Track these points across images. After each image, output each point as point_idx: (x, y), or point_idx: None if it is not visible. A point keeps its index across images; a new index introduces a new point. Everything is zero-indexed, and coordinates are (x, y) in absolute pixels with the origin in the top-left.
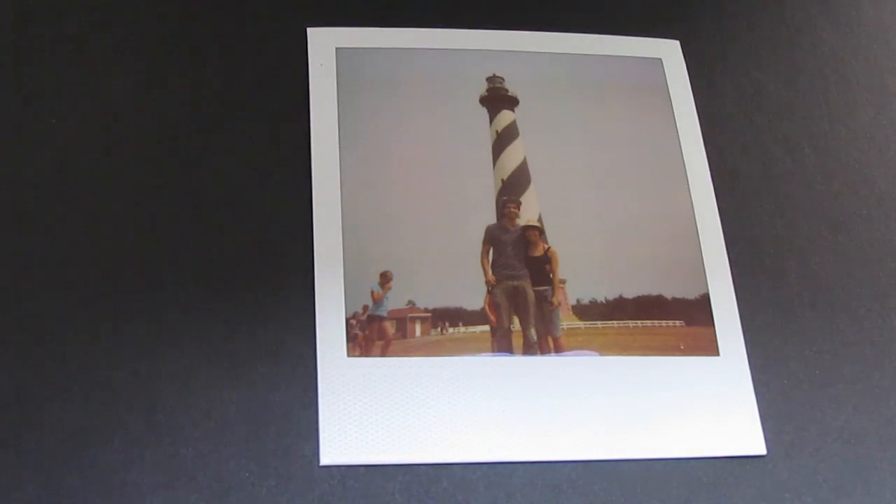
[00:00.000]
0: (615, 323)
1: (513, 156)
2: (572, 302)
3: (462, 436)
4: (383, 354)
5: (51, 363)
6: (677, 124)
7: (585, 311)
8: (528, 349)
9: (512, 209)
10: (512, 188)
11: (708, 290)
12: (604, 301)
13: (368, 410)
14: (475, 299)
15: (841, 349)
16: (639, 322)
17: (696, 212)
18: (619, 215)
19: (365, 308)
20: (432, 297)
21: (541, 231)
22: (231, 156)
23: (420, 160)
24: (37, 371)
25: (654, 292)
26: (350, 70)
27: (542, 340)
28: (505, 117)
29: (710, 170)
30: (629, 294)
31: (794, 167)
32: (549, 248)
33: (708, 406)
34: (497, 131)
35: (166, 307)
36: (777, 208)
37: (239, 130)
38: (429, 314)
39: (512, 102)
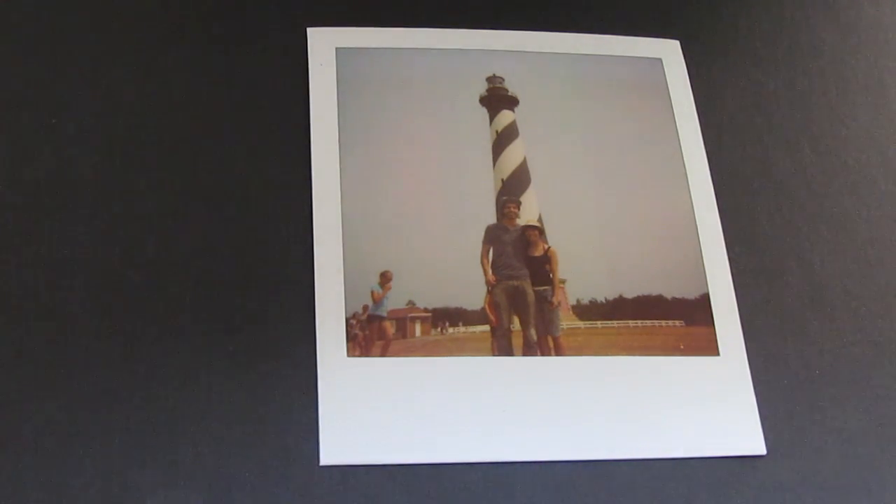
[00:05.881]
0: (615, 323)
1: (513, 156)
2: (572, 302)
3: (462, 436)
4: (383, 354)
5: (51, 363)
6: (677, 124)
7: (585, 311)
8: (528, 349)
9: (512, 209)
10: (512, 188)
11: (708, 290)
12: (604, 301)
13: (368, 410)
14: (475, 299)
15: (841, 349)
16: (639, 322)
17: (696, 212)
18: (619, 215)
19: (365, 308)
20: (432, 297)
21: (541, 231)
22: (231, 156)
23: (420, 160)
24: (37, 371)
25: (654, 292)
26: (350, 70)
27: (542, 340)
28: (505, 117)
29: (710, 170)
30: (629, 294)
31: (794, 167)
32: (549, 247)
33: (708, 406)
34: (497, 131)
35: (166, 307)
36: (777, 208)
37: (239, 130)
38: (429, 314)
39: (512, 102)
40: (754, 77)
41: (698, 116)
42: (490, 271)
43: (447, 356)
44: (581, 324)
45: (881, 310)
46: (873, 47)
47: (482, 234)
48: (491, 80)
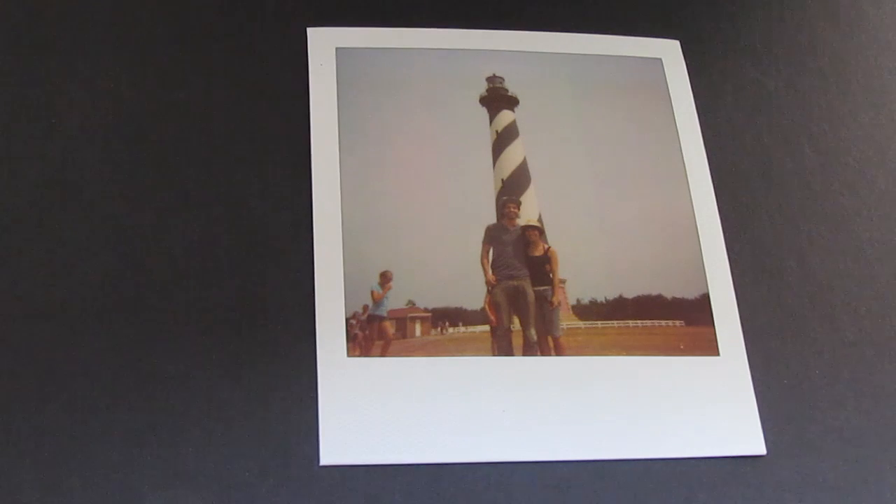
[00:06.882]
0: (615, 323)
1: (513, 156)
2: (572, 302)
3: (462, 436)
4: (383, 354)
5: (51, 363)
6: (677, 124)
7: (585, 310)
8: (528, 349)
9: (512, 209)
10: (512, 188)
11: (708, 290)
12: (604, 301)
13: (368, 410)
14: (475, 299)
15: (841, 349)
16: (639, 322)
17: (696, 212)
18: (619, 215)
19: (365, 308)
20: (432, 297)
21: (541, 231)
22: (231, 155)
23: (420, 160)
24: (37, 371)
25: (654, 292)
26: (350, 70)
27: (542, 340)
28: (505, 117)
29: (710, 170)
30: (629, 294)
31: (794, 167)
32: (549, 247)
33: (708, 406)
34: (497, 131)
35: (166, 307)
36: (777, 208)
37: (239, 130)
38: (429, 314)
39: (512, 102)
40: (754, 77)
41: (698, 116)
42: (490, 271)
43: (447, 356)
44: (581, 324)
45: (881, 310)
46: (873, 47)
47: (482, 234)
48: (491, 80)
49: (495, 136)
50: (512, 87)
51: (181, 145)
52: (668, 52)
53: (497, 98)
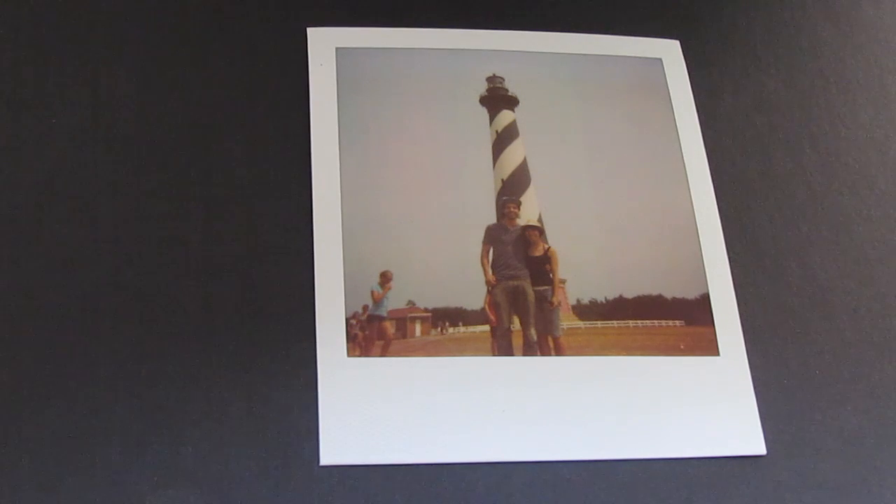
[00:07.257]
0: (615, 323)
1: (513, 156)
2: (572, 302)
3: (462, 436)
4: (383, 354)
5: (51, 363)
6: (677, 124)
7: (585, 310)
8: (528, 349)
9: (512, 209)
10: (512, 188)
11: (708, 290)
12: (604, 301)
13: (368, 410)
14: (475, 299)
15: (841, 349)
16: (639, 322)
17: (696, 212)
18: (619, 215)
19: (365, 308)
20: (432, 297)
21: (541, 231)
22: (231, 156)
23: (420, 160)
24: (37, 371)
25: (654, 292)
26: (350, 70)
27: (542, 340)
28: (505, 117)
29: (710, 170)
30: (629, 294)
31: (794, 167)
32: (549, 247)
33: (708, 406)
34: (497, 131)
35: (166, 307)
36: (777, 208)
37: (239, 130)
38: (429, 314)
39: (512, 102)
40: (754, 77)
41: (698, 116)
42: (490, 271)
43: (447, 356)
44: (581, 324)
45: (881, 310)
46: (873, 47)
47: (482, 234)
48: (491, 80)
49: (495, 136)
50: (512, 87)
51: (181, 145)
52: (668, 52)
53: (497, 98)
